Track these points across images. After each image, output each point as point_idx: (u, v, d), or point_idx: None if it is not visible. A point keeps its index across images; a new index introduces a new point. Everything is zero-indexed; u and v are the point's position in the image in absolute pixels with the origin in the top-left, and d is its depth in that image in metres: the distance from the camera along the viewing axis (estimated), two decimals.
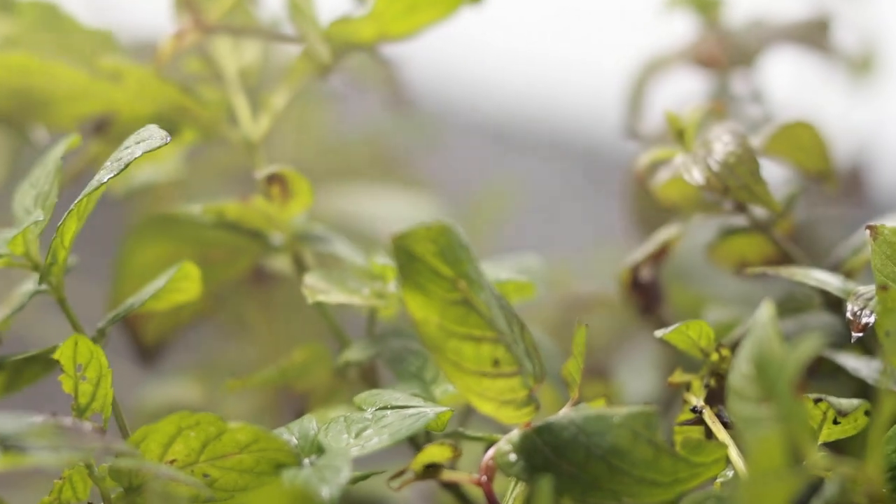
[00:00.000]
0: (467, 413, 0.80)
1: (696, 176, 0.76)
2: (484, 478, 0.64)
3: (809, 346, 0.56)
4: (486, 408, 0.63)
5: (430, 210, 1.14)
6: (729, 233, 0.83)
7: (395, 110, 1.14)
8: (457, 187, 1.37)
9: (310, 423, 0.67)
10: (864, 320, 0.69)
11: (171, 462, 0.65)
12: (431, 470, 0.65)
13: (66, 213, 0.67)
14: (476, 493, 0.75)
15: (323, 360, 0.81)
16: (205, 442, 0.64)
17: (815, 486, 0.62)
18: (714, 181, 0.76)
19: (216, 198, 0.84)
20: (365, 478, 0.68)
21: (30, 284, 0.73)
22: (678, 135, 0.80)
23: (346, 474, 0.61)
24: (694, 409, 0.70)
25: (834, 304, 0.78)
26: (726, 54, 0.99)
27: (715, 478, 0.65)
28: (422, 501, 0.94)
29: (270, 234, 0.83)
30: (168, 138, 0.65)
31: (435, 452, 0.64)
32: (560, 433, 0.62)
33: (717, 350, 0.71)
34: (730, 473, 0.65)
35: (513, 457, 0.63)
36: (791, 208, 0.82)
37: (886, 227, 0.69)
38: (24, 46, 0.86)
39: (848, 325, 0.70)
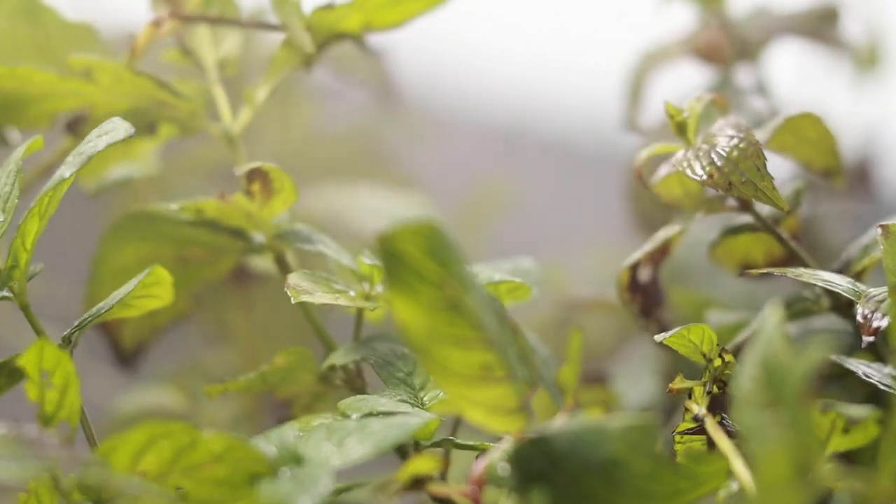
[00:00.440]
0: (458, 420, 0.79)
1: (698, 171, 0.75)
2: (475, 490, 0.63)
3: (819, 352, 0.55)
4: (475, 415, 0.62)
5: (419, 209, 1.14)
6: (732, 231, 0.82)
7: (384, 103, 1.15)
8: (451, 186, 1.38)
9: (289, 431, 0.66)
10: (875, 324, 0.69)
11: (143, 473, 0.63)
12: (419, 482, 0.64)
13: (26, 212, 0.66)
14: None
15: (307, 364, 0.79)
16: (178, 452, 0.62)
17: (825, 500, 0.61)
18: (717, 177, 0.75)
19: (197, 195, 0.83)
20: (348, 489, 0.67)
21: None
22: (679, 128, 0.78)
23: (325, 485, 0.60)
24: (696, 418, 0.69)
25: (843, 306, 0.78)
26: (729, 45, 1.00)
27: (717, 490, 0.64)
28: None
29: (252, 233, 0.82)
30: (133, 131, 0.65)
31: (422, 464, 0.63)
32: (555, 443, 0.60)
33: (721, 355, 0.70)
34: (734, 485, 0.64)
35: (505, 467, 0.61)
36: (797, 205, 0.82)
37: None
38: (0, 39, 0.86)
39: (858, 329, 0.70)
